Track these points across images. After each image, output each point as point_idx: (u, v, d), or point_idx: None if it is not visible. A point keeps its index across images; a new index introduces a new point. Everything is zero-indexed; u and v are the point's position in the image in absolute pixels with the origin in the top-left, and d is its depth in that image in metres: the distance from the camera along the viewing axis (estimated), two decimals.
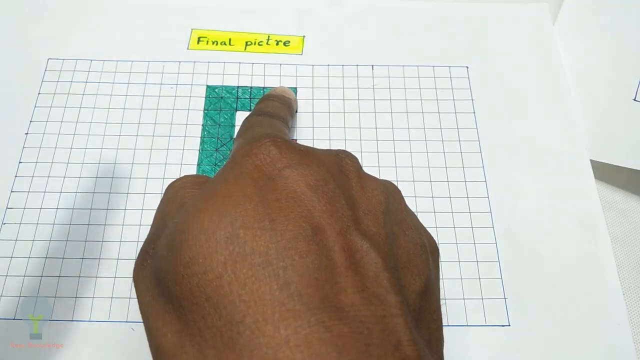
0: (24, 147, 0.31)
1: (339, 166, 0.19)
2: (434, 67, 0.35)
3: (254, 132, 0.23)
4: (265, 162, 0.17)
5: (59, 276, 0.27)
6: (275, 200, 0.16)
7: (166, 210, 0.19)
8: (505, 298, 0.27)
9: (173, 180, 0.21)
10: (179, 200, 0.19)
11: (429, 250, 0.19)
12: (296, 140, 0.32)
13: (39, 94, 0.33)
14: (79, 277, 0.27)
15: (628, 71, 0.33)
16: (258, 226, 0.15)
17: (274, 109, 0.27)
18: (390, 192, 0.19)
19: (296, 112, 0.32)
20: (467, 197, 0.30)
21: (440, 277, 0.28)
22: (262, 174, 0.17)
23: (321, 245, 0.15)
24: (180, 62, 0.34)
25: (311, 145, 0.19)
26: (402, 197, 0.21)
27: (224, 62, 0.34)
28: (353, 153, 0.33)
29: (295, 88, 0.33)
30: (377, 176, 0.30)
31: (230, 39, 0.35)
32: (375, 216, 0.17)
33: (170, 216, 0.18)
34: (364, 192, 0.18)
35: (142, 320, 0.17)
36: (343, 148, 0.22)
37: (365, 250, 0.15)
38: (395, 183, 0.30)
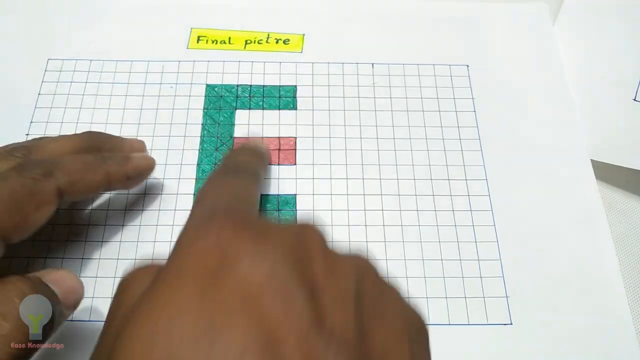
0: None
1: (302, 246, 0.16)
2: (434, 65, 0.35)
3: (207, 204, 0.19)
4: (213, 251, 0.14)
5: None
6: (222, 303, 0.13)
7: (110, 317, 0.16)
8: (507, 297, 0.27)
9: (125, 273, 0.17)
10: (125, 306, 0.16)
11: (414, 334, 0.16)
12: (296, 139, 0.31)
13: (39, 94, 0.33)
14: (79, 277, 0.27)
15: (628, 71, 0.33)
16: (199, 345, 0.13)
17: (241, 162, 0.25)
18: (362, 270, 0.17)
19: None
20: (468, 195, 0.30)
21: (442, 275, 0.28)
22: (209, 268, 0.14)
23: (277, 356, 0.13)
24: (179, 61, 0.34)
25: (273, 222, 0.17)
26: (376, 274, 0.18)
27: (224, 61, 0.34)
28: (353, 152, 0.32)
29: (295, 86, 0.33)
30: (378, 177, 0.30)
31: (229, 38, 0.35)
32: (344, 306, 0.15)
33: (112, 324, 0.16)
34: (331, 276, 0.15)
35: None
36: (307, 224, 0.18)
37: (332, 356, 0.13)
38: (396, 182, 0.30)
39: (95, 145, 0.26)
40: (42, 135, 0.31)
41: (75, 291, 0.23)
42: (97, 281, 0.27)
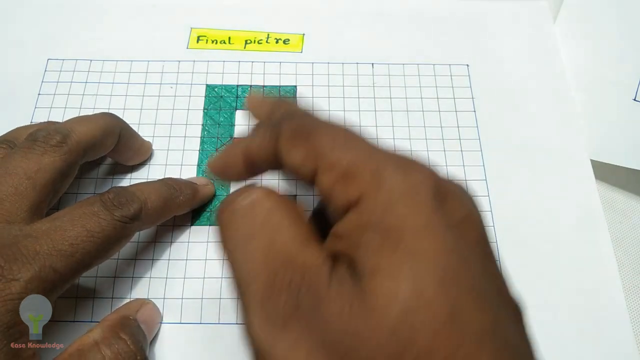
0: None
1: None
2: (434, 65, 0.35)
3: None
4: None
5: None
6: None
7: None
8: None
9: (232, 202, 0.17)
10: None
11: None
12: None
13: (39, 94, 0.33)
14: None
15: (628, 71, 0.33)
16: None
17: None
18: None
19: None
20: None
21: None
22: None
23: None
24: (179, 61, 0.34)
25: None
26: None
27: (224, 61, 0.34)
28: None
29: (295, 86, 0.33)
30: None
31: (229, 38, 0.35)
32: None
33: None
34: None
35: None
36: None
37: None
38: None
39: (116, 132, 0.27)
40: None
41: (157, 326, 0.26)
42: (98, 281, 0.27)
